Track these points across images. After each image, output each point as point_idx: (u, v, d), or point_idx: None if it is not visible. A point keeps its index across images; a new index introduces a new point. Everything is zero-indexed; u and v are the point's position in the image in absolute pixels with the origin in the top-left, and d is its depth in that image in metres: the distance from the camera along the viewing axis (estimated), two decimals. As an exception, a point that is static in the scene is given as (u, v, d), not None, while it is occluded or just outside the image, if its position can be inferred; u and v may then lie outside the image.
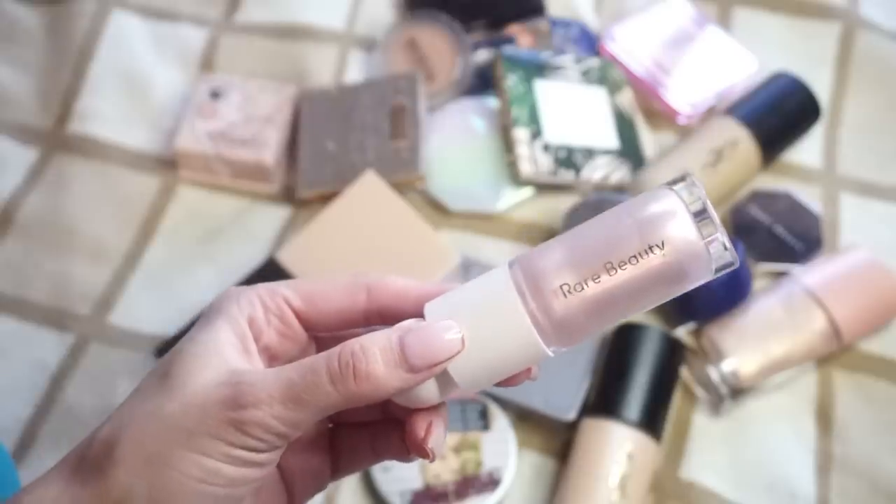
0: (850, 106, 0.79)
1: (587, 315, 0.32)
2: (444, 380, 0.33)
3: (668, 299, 0.33)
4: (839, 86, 0.80)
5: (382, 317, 0.36)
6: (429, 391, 0.33)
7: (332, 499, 0.61)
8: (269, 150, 0.74)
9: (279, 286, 0.36)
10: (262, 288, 0.35)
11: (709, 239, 0.32)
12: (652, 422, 0.61)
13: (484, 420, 0.63)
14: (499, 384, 0.34)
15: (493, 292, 0.33)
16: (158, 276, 0.72)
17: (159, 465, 0.31)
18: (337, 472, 0.38)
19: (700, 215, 0.32)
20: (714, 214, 0.32)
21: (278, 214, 0.74)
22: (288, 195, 0.75)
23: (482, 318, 0.32)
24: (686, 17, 0.82)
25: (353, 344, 0.32)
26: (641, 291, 0.32)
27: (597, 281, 0.32)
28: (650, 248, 0.32)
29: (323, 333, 0.37)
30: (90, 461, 0.32)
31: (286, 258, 0.68)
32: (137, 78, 0.80)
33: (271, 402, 0.31)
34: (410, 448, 0.34)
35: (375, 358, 0.31)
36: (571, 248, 0.33)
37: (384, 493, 0.60)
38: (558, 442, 0.63)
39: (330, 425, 0.38)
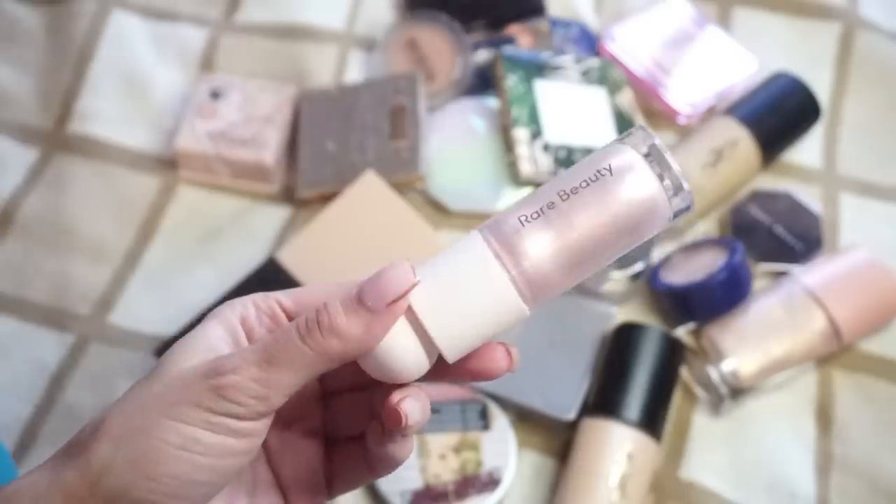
0: (850, 106, 0.79)
1: (552, 255, 0.33)
2: (424, 345, 0.33)
3: (629, 242, 0.34)
4: (839, 86, 0.80)
5: None
6: (410, 361, 0.33)
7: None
8: (269, 150, 0.74)
9: (274, 292, 0.37)
10: (258, 294, 0.37)
11: (649, 154, 0.33)
12: (652, 422, 0.61)
13: (484, 420, 0.63)
14: (479, 377, 0.34)
15: (463, 252, 0.33)
16: (158, 276, 0.72)
17: (140, 435, 0.31)
18: (333, 488, 0.38)
19: (647, 154, 0.33)
20: (661, 146, 0.33)
21: (278, 214, 0.74)
22: (288, 195, 0.75)
23: (453, 275, 0.33)
24: (686, 17, 0.82)
25: (320, 303, 0.33)
26: (599, 224, 0.33)
27: (551, 207, 0.33)
28: (598, 172, 0.33)
29: None
30: (77, 444, 0.33)
31: (286, 258, 0.68)
32: (137, 78, 0.80)
33: (247, 366, 0.32)
34: (385, 417, 0.33)
35: (337, 310, 0.32)
36: (529, 196, 0.34)
37: (384, 493, 0.60)
38: (558, 442, 0.63)
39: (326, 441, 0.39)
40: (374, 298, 0.32)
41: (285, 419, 0.38)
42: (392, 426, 0.33)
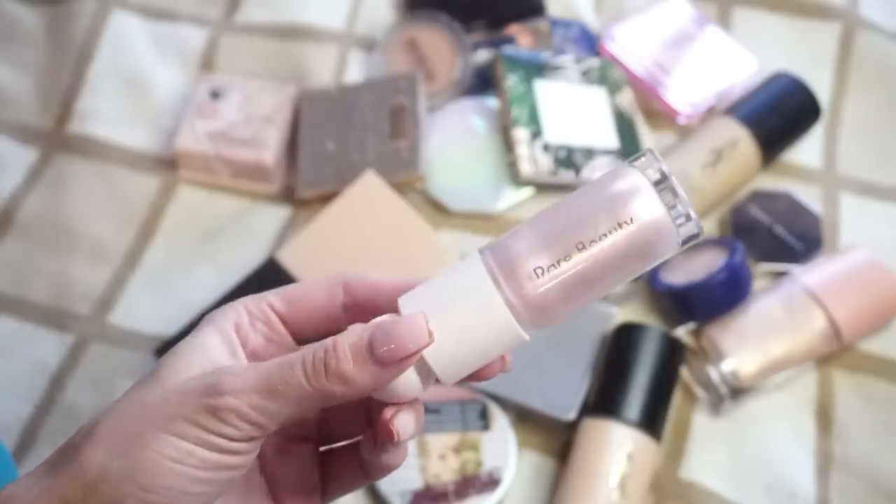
0: (850, 106, 0.79)
1: (560, 296, 0.33)
2: (421, 373, 0.33)
3: (637, 275, 0.34)
4: (839, 86, 0.80)
5: (362, 312, 0.36)
6: (405, 386, 0.33)
7: (332, 499, 0.61)
8: (269, 150, 0.74)
9: (265, 294, 0.37)
10: (248, 297, 0.36)
11: (674, 212, 0.33)
12: (652, 422, 0.61)
13: (484, 420, 0.63)
14: (472, 378, 0.34)
15: (466, 280, 0.33)
16: (158, 276, 0.72)
17: (135, 445, 0.31)
18: (327, 493, 0.38)
19: (660, 184, 0.33)
20: (676, 184, 0.33)
21: (278, 214, 0.74)
22: (288, 195, 0.75)
23: (457, 307, 0.33)
24: (686, 17, 0.82)
25: (328, 341, 0.32)
26: (612, 268, 0.33)
27: (568, 260, 0.33)
28: (619, 224, 0.33)
29: (311, 338, 0.38)
30: (71, 449, 0.33)
31: (286, 258, 0.68)
32: (137, 78, 0.80)
33: (248, 392, 0.31)
34: (378, 432, 0.34)
35: (346, 356, 0.32)
36: (541, 230, 0.33)
37: (384, 494, 0.60)
38: (558, 442, 0.63)
39: (321, 448, 0.39)
40: (387, 354, 0.32)
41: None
42: (384, 439, 0.34)
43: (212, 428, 0.31)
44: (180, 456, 0.31)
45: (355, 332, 0.32)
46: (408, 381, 0.33)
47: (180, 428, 0.31)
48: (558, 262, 0.32)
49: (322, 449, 0.39)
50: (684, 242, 0.33)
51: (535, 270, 0.32)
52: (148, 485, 0.31)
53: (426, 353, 0.32)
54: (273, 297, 0.36)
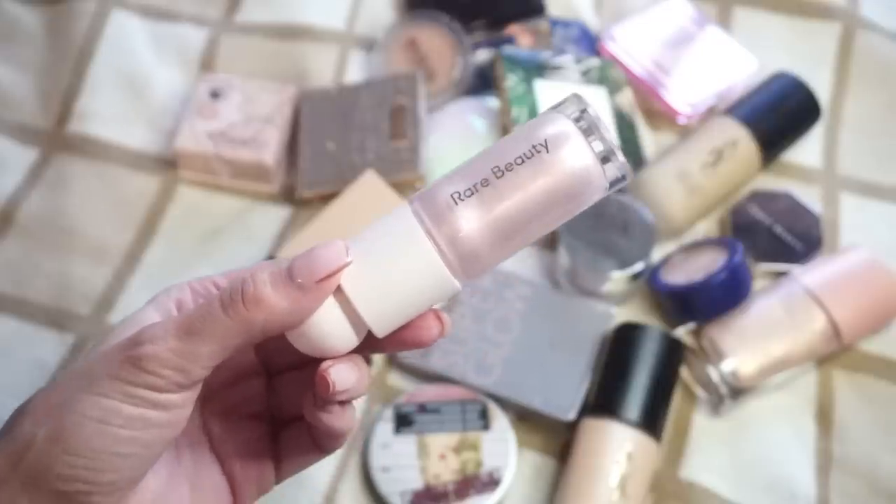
0: (850, 106, 0.79)
1: (484, 231, 0.32)
2: (351, 321, 0.33)
3: (564, 214, 0.33)
4: (839, 86, 0.80)
5: None
6: (337, 336, 0.33)
7: (331, 499, 0.61)
8: (269, 150, 0.74)
9: (211, 275, 0.36)
10: (195, 278, 0.36)
11: (595, 145, 0.32)
12: (652, 422, 0.61)
13: (484, 420, 0.63)
14: (408, 340, 0.34)
15: (391, 223, 0.33)
16: (158, 276, 0.72)
17: (61, 410, 0.31)
18: (281, 472, 0.38)
19: (579, 121, 0.33)
20: (598, 121, 0.32)
21: (278, 214, 0.74)
22: (288, 195, 0.75)
23: (382, 246, 0.32)
24: (686, 17, 0.82)
25: (246, 271, 0.32)
26: (533, 198, 0.32)
27: (486, 185, 0.32)
28: (534, 147, 0.32)
29: None
30: (3, 428, 0.33)
31: (286, 258, 0.68)
32: (137, 78, 0.80)
33: (166, 336, 0.31)
34: (315, 385, 0.33)
35: (263, 281, 0.32)
36: (462, 168, 0.33)
37: (384, 494, 0.60)
38: (558, 442, 0.63)
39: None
40: (304, 274, 0.32)
41: (228, 403, 0.37)
42: (320, 393, 0.33)
43: (134, 380, 0.31)
44: (104, 415, 0.31)
45: (274, 262, 0.33)
46: (339, 330, 0.33)
47: (104, 386, 0.31)
48: (475, 186, 0.32)
49: (273, 425, 0.39)
50: (612, 183, 0.33)
51: (452, 196, 0.32)
52: (73, 447, 0.31)
53: (353, 298, 0.32)
54: (219, 277, 0.36)
